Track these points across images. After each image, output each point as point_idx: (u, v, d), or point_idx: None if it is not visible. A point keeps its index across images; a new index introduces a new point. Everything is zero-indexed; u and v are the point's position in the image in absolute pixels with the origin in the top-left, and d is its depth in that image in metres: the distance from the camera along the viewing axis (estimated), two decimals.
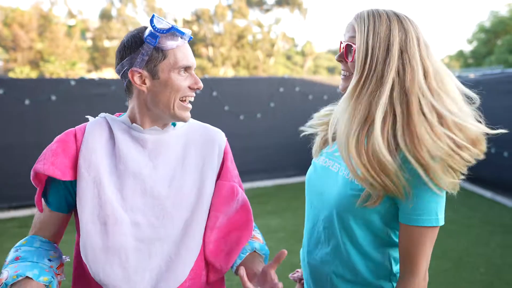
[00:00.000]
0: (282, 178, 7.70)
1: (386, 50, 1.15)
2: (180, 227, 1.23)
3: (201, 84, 1.25)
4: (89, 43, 32.67)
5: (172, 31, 1.18)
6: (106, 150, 1.23)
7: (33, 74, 22.54)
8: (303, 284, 1.50)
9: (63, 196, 1.23)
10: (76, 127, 1.28)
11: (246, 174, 6.99)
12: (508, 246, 4.53)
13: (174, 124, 1.33)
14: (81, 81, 6.39)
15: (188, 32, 1.23)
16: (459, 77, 7.85)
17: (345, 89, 1.25)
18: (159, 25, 1.18)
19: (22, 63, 24.41)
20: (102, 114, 1.32)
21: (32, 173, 1.20)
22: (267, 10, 34.38)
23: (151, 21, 1.18)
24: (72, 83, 6.14)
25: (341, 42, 1.28)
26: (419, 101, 1.13)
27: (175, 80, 1.20)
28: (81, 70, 24.52)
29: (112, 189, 1.19)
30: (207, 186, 1.29)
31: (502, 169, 6.15)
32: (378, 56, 1.15)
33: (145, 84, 1.21)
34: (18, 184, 5.86)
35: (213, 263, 1.30)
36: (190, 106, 1.26)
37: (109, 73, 29.93)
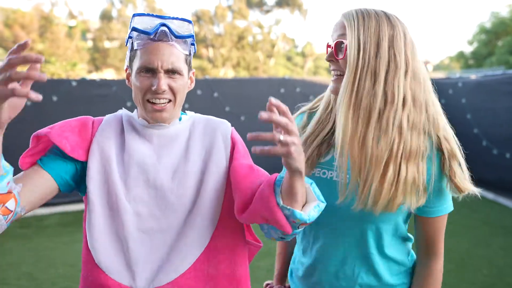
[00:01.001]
0: None
1: (377, 45, 1.16)
2: (183, 218, 1.22)
3: (159, 87, 1.15)
4: (90, 44, 32.69)
5: (133, 31, 1.18)
6: (117, 143, 1.24)
7: None
8: None
9: (63, 168, 1.18)
10: (95, 117, 1.31)
11: None
12: (509, 247, 4.52)
13: (180, 119, 1.33)
14: (82, 82, 6.39)
15: (153, 25, 1.17)
16: (460, 78, 7.83)
17: (336, 90, 1.22)
18: (132, 24, 1.19)
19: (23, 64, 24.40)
20: (121, 111, 1.34)
21: (39, 132, 1.19)
22: (267, 11, 34.41)
23: (131, 20, 1.20)
24: (73, 84, 6.14)
25: (328, 44, 1.27)
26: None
27: (135, 80, 1.19)
28: (81, 71, 24.51)
29: (117, 178, 1.20)
30: (209, 177, 1.24)
31: (504, 171, 6.14)
32: (370, 51, 1.15)
33: (129, 81, 1.26)
34: None
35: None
36: (159, 107, 1.18)
37: (110, 74, 29.95)
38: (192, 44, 1.26)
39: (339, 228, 1.29)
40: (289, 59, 38.81)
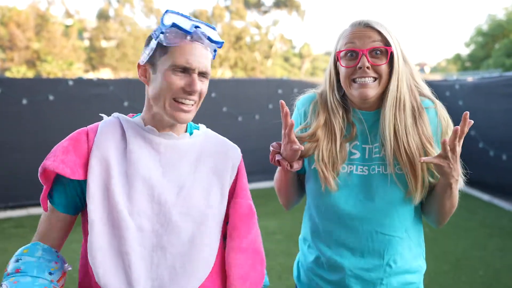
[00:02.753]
0: None
1: (401, 51, 1.34)
2: (186, 238, 1.19)
3: (195, 88, 1.16)
4: (86, 43, 32.60)
5: (174, 28, 1.15)
6: (117, 152, 1.19)
7: (30, 74, 22.46)
8: None
9: (71, 197, 1.19)
10: (88, 126, 1.25)
11: None
12: (506, 249, 4.53)
13: (191, 133, 1.31)
14: (79, 81, 6.37)
15: (201, 30, 1.17)
16: (457, 81, 7.84)
17: (374, 94, 1.32)
18: (167, 19, 1.15)
19: (19, 63, 24.32)
20: (115, 114, 1.28)
21: (40, 169, 1.15)
22: (265, 12, 34.41)
23: (164, 14, 1.16)
24: (70, 83, 6.11)
25: (338, 53, 1.36)
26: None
27: (167, 77, 1.15)
28: (78, 70, 24.47)
29: (120, 192, 1.16)
30: (215, 200, 1.26)
31: (500, 172, 6.15)
32: (400, 56, 1.33)
33: (145, 77, 1.22)
34: (14, 184, 5.83)
35: None
36: (187, 108, 1.18)
37: (106, 73, 29.85)
38: (215, 51, 1.27)
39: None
40: (286, 60, 38.83)
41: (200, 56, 1.17)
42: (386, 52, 1.29)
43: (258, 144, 7.40)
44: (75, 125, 1.27)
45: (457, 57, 24.72)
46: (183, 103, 1.17)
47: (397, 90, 1.32)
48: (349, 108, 1.42)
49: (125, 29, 31.06)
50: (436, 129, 1.37)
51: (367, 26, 1.31)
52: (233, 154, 1.34)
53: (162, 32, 1.15)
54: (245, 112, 7.38)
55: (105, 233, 1.14)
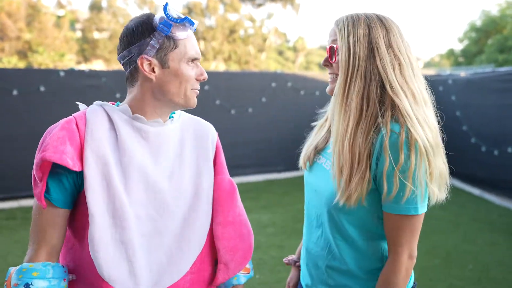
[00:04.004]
0: (273, 173, 7.69)
1: (368, 47, 1.23)
2: (180, 221, 1.24)
3: (206, 75, 1.27)
4: (79, 34, 32.29)
5: (185, 21, 1.19)
6: (109, 141, 1.18)
7: (21, 65, 22.21)
8: (298, 266, 1.60)
9: (70, 190, 1.15)
10: (73, 115, 1.21)
11: (237, 168, 6.98)
12: (495, 243, 4.58)
13: (171, 117, 1.33)
14: (71, 72, 6.31)
15: (196, 23, 1.24)
16: (450, 76, 7.91)
17: (332, 90, 1.33)
18: (173, 13, 1.18)
19: (10, 53, 24.03)
20: (98, 102, 1.26)
21: (38, 161, 1.09)
22: (260, 5, 34.24)
23: (165, 9, 1.17)
24: (62, 74, 6.05)
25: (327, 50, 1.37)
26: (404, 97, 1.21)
27: (185, 70, 1.21)
28: (70, 62, 24.25)
29: (118, 182, 1.15)
30: (204, 180, 1.31)
31: (492, 167, 6.21)
32: (360, 53, 1.23)
33: (154, 72, 1.20)
34: (5, 176, 5.79)
35: (228, 262, 1.32)
36: (198, 92, 1.29)
37: (99, 65, 29.61)
38: None
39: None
40: (280, 53, 38.74)
41: (197, 45, 1.26)
42: (334, 50, 1.30)
43: (250, 137, 7.40)
44: (66, 116, 1.23)
45: (451, 52, 24.81)
46: (196, 90, 1.28)
47: (344, 89, 1.24)
48: None
49: (118, 20, 30.77)
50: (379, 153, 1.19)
51: (334, 23, 1.33)
52: (210, 132, 1.40)
53: (170, 25, 1.17)
54: (238, 105, 7.37)
55: (106, 225, 1.13)
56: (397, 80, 1.21)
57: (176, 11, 1.20)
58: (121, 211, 1.14)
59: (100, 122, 1.19)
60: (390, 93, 1.20)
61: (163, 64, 1.19)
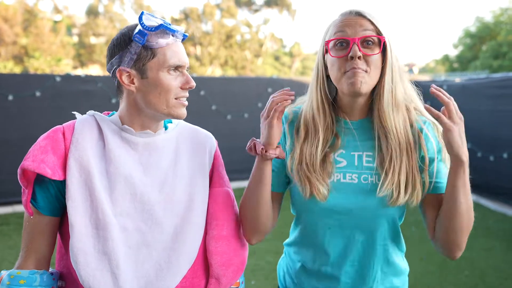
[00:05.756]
0: None
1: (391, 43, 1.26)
2: (170, 233, 1.19)
3: (193, 83, 1.20)
4: (75, 39, 32.27)
5: (162, 29, 1.15)
6: (96, 151, 1.17)
7: (17, 70, 22.18)
8: None
9: (54, 197, 1.15)
10: (63, 124, 1.21)
11: (232, 173, 6.92)
12: (491, 249, 4.59)
13: (166, 127, 1.30)
14: (67, 77, 6.30)
15: (180, 29, 1.19)
16: (445, 81, 7.91)
17: (366, 87, 1.20)
18: (148, 22, 1.14)
19: (6, 58, 23.98)
20: (91, 112, 1.25)
21: (19, 171, 1.11)
22: (256, 11, 34.37)
23: (140, 18, 1.14)
24: (58, 79, 6.04)
25: (327, 43, 1.25)
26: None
27: (164, 79, 1.15)
28: (66, 67, 24.23)
29: (102, 192, 1.13)
30: (198, 192, 1.26)
31: (488, 173, 6.22)
32: (393, 48, 1.25)
33: (133, 83, 1.17)
34: None
35: (220, 277, 1.24)
36: (186, 102, 1.22)
37: (95, 70, 29.59)
38: None
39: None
40: (276, 58, 38.85)
41: (184, 52, 1.21)
42: (379, 42, 1.20)
43: (246, 142, 7.36)
44: (61, 122, 1.23)
45: (446, 58, 24.91)
46: (182, 100, 1.20)
47: (392, 83, 1.23)
48: (333, 119, 1.32)
49: (115, 25, 30.79)
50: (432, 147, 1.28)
51: (359, 14, 1.22)
52: (209, 142, 1.36)
53: (144, 34, 1.14)
54: (234, 110, 7.37)
55: (88, 235, 1.11)
56: None
57: (156, 18, 1.16)
58: (103, 221, 1.11)
59: (88, 132, 1.18)
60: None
61: (142, 74, 1.16)
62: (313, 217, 1.34)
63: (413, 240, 4.37)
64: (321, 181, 1.26)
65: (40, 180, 1.14)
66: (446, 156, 1.26)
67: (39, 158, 1.11)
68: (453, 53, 24.85)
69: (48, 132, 1.18)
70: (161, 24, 1.14)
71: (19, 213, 5.69)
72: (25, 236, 1.16)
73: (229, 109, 7.33)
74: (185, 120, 1.40)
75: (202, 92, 6.98)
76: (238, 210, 1.34)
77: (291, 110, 1.42)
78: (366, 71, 1.19)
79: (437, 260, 4.23)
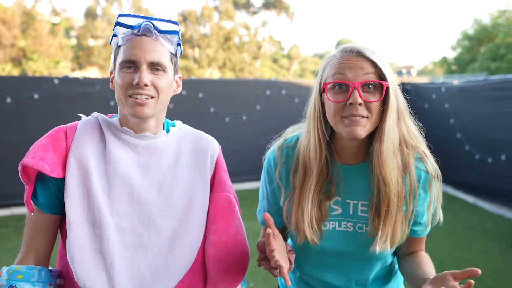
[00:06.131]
0: None
1: (396, 83, 1.19)
2: (167, 236, 1.18)
3: (140, 80, 1.11)
4: (73, 41, 32.26)
5: (117, 26, 1.16)
6: (96, 151, 1.18)
7: (15, 72, 22.14)
8: None
9: (54, 195, 1.16)
10: (66, 124, 1.23)
11: (231, 176, 6.92)
12: (489, 251, 4.59)
13: (167, 130, 1.29)
14: (65, 80, 6.29)
15: (139, 23, 1.15)
16: (443, 84, 7.93)
17: (365, 133, 1.15)
18: (123, 21, 1.16)
19: (4, 61, 23.95)
20: (95, 114, 1.27)
21: (20, 167, 1.13)
22: (254, 13, 34.42)
23: (116, 18, 1.17)
24: (56, 81, 6.03)
25: (325, 84, 1.18)
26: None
27: (118, 76, 1.16)
28: (65, 69, 24.19)
29: (100, 192, 1.14)
30: (197, 195, 1.25)
31: (485, 175, 6.23)
32: (397, 90, 1.19)
33: (112, 83, 1.23)
34: None
35: (217, 283, 1.23)
36: (141, 101, 1.13)
37: (94, 72, 29.58)
38: (178, 45, 1.24)
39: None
40: (275, 61, 38.89)
41: (147, 48, 1.15)
42: (381, 87, 1.13)
43: (244, 145, 7.39)
44: (59, 124, 1.24)
45: (444, 60, 24.99)
46: (136, 98, 1.13)
47: (393, 127, 1.16)
48: (328, 162, 1.25)
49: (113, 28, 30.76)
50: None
51: (360, 55, 1.13)
52: (211, 147, 1.33)
53: (114, 35, 1.18)
54: (233, 113, 7.37)
55: (85, 233, 1.12)
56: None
57: (130, 17, 1.17)
58: (99, 220, 1.12)
59: (90, 133, 1.20)
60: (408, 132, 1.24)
61: (115, 71, 1.20)
62: (310, 255, 1.36)
63: None
64: (315, 232, 1.25)
65: (41, 177, 1.16)
66: (435, 207, 1.29)
67: (38, 155, 1.12)
68: (451, 55, 24.96)
69: (50, 131, 1.19)
70: (116, 22, 1.16)
71: (17, 216, 5.67)
72: (26, 233, 1.18)
73: (227, 111, 7.33)
74: (184, 122, 1.40)
75: (200, 95, 6.98)
76: (240, 216, 1.31)
77: (282, 152, 1.34)
78: (367, 117, 1.13)
79: (434, 262, 4.21)
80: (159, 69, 1.16)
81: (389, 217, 1.19)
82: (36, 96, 5.89)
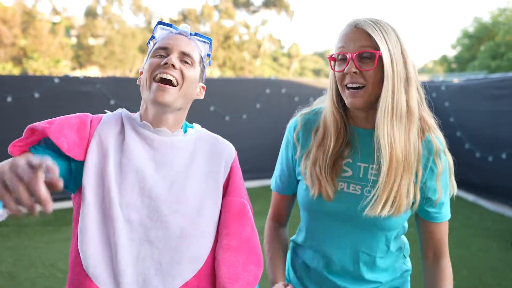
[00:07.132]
0: (268, 179, 7.67)
1: (402, 54, 1.20)
2: (175, 234, 1.17)
3: (167, 60, 1.16)
4: (74, 40, 32.27)
5: (158, 25, 1.26)
6: (115, 142, 1.20)
7: (16, 71, 22.16)
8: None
9: (74, 173, 1.17)
10: (93, 115, 1.26)
11: None
12: (489, 249, 4.60)
13: (185, 131, 1.31)
14: (65, 79, 6.29)
15: (181, 26, 1.28)
16: (443, 82, 7.93)
17: (362, 103, 1.21)
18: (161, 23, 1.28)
19: (5, 60, 23.97)
20: (120, 110, 1.30)
21: (34, 126, 1.13)
22: (254, 12, 34.42)
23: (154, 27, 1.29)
24: (56, 80, 6.04)
25: (331, 57, 1.25)
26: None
27: (150, 60, 1.21)
28: (65, 68, 24.22)
29: (113, 182, 1.15)
30: (209, 198, 1.24)
31: (486, 173, 6.24)
32: (398, 61, 1.19)
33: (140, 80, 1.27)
34: None
35: None
36: (167, 88, 1.16)
37: (94, 71, 29.58)
38: (208, 56, 1.34)
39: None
40: (275, 59, 38.89)
41: (181, 40, 1.23)
42: (374, 56, 1.17)
43: (245, 143, 7.39)
44: None
45: (444, 59, 24.96)
46: (160, 83, 1.16)
47: (393, 96, 1.18)
48: (347, 126, 1.32)
49: (113, 27, 30.79)
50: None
51: (357, 27, 1.19)
52: (226, 151, 1.34)
53: (153, 37, 1.27)
54: (233, 111, 7.37)
55: (97, 219, 1.13)
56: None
57: (167, 26, 1.28)
58: (109, 210, 1.13)
59: (113, 125, 1.23)
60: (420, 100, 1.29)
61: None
62: (317, 218, 1.37)
63: (410, 241, 4.36)
64: (330, 184, 1.30)
65: (48, 148, 1.15)
66: (447, 179, 1.36)
67: (62, 132, 1.13)
68: (451, 53, 24.94)
69: (80, 114, 1.22)
70: (158, 21, 1.26)
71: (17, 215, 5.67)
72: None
73: (227, 110, 7.33)
74: (185, 120, 1.41)
75: None
76: (253, 223, 1.30)
77: (303, 117, 1.43)
78: (364, 86, 1.19)
79: None
80: (187, 62, 1.22)
81: (390, 180, 1.21)
82: (36, 95, 5.89)
